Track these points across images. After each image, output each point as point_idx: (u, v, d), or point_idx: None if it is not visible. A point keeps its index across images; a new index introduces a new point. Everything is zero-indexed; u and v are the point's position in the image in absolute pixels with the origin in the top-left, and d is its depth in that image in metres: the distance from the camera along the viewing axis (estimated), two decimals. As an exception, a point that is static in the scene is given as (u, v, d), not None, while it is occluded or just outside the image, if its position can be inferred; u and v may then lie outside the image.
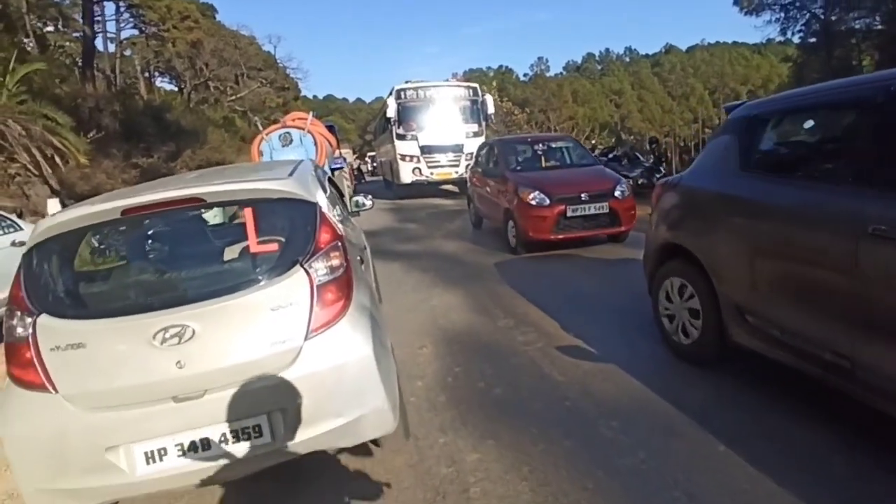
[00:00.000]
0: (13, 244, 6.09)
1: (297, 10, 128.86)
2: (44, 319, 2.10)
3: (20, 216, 10.06)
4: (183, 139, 27.58)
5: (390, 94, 15.71)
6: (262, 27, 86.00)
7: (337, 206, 3.24)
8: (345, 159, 23.59)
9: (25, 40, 23.73)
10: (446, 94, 16.00)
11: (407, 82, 16.12)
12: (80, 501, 2.15)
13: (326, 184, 3.35)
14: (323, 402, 2.20)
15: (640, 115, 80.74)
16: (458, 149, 15.12)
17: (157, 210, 2.29)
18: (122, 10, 36.08)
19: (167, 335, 2.05)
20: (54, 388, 2.05)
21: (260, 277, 2.25)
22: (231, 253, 2.65)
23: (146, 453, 2.10)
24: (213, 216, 3.20)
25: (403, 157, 14.69)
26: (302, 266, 2.25)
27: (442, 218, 12.10)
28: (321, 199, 2.58)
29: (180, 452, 2.12)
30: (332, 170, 10.91)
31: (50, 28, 30.13)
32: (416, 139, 14.78)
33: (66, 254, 2.35)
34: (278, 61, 52.24)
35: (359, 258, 2.90)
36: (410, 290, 6.42)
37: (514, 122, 30.95)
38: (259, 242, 2.31)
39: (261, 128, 10.46)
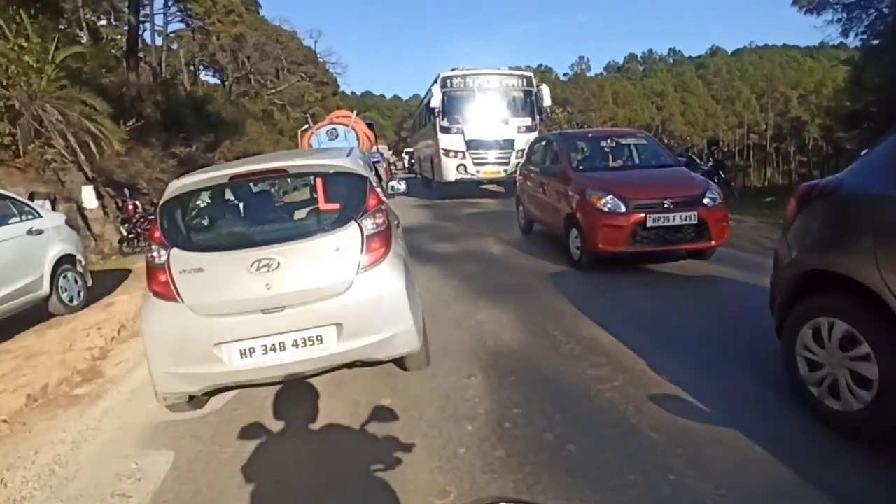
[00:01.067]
0: (30, 232, 5.62)
1: (338, 6, 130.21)
2: (175, 251, 2.94)
3: (53, 202, 9.77)
4: (222, 130, 27.56)
5: (435, 81, 14.05)
6: (303, 22, 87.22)
7: (379, 188, 3.91)
8: (382, 154, 23.44)
9: (80, 33, 24.29)
10: (497, 84, 14.21)
11: (454, 69, 14.27)
12: (192, 385, 2.95)
13: (370, 167, 4.06)
14: (367, 321, 2.96)
15: (682, 118, 78.04)
16: (508, 145, 13.62)
17: (255, 177, 3.37)
18: (170, 3, 36.55)
19: (260, 265, 2.84)
20: (181, 299, 2.87)
21: (326, 228, 3.08)
22: (301, 214, 3.65)
23: (240, 350, 2.88)
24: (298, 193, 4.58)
25: (447, 153, 13.16)
26: (356, 221, 3.06)
27: (486, 220, 11.04)
28: (370, 174, 3.41)
29: (264, 351, 2.89)
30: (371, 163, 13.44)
31: (103, 22, 30.63)
32: (463, 133, 13.24)
33: (188, 206, 3.26)
34: (318, 56, 52.26)
35: (395, 222, 3.67)
36: (452, 299, 5.61)
37: (555, 121, 29.99)
38: (326, 202, 3.25)
39: (311, 122, 13.48)
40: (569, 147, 7.50)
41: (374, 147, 16.00)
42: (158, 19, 35.87)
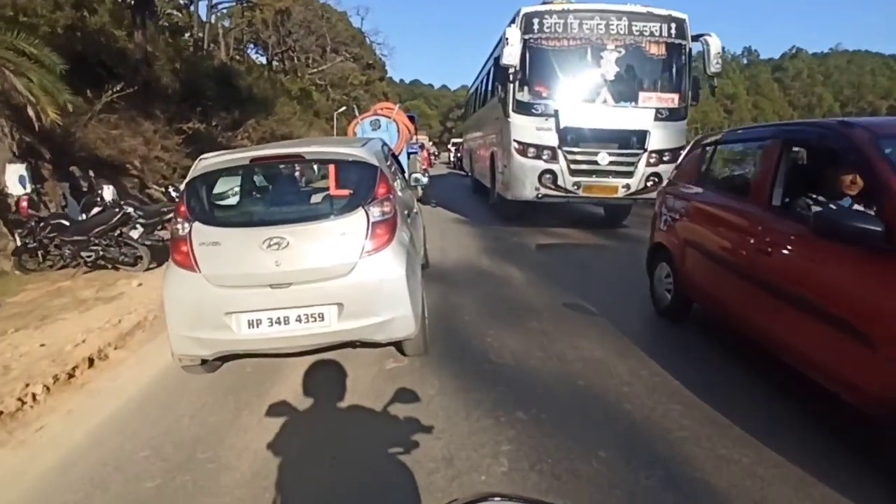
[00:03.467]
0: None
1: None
2: (196, 225, 3.19)
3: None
4: (249, 107, 24.70)
5: (511, 22, 8.15)
6: (352, 0, 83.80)
7: (398, 178, 4.37)
8: (422, 145, 21.10)
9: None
10: (623, 29, 7.93)
11: (545, 2, 8.25)
12: (204, 348, 3.22)
13: (387, 157, 4.30)
14: (367, 303, 3.14)
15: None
16: (635, 140, 7.80)
17: (273, 161, 3.76)
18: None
19: (271, 242, 3.05)
20: (199, 269, 3.11)
21: (335, 212, 3.29)
22: (315, 199, 3.85)
23: (248, 321, 3.11)
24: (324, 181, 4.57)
25: (523, 149, 7.63)
26: (363, 208, 3.23)
27: (587, 278, 5.87)
28: (382, 164, 3.56)
29: (270, 323, 3.11)
30: (409, 153, 12.18)
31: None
32: (555, 116, 7.55)
33: (211, 184, 3.50)
34: (364, 34, 49.19)
35: (405, 212, 3.83)
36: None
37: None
38: (337, 188, 3.52)
39: (357, 111, 13.49)
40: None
41: (414, 137, 15.68)
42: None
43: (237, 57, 35.92)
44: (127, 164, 13.99)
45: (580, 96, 7.81)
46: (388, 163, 4.08)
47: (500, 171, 8.55)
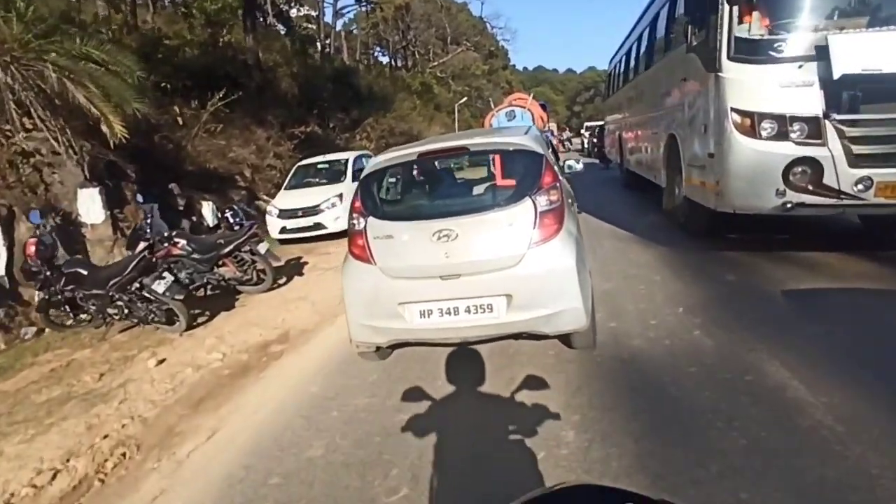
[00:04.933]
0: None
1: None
2: (371, 220, 3.22)
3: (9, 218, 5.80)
4: (368, 106, 23.68)
5: None
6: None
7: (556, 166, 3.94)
8: (552, 132, 21.34)
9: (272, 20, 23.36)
10: None
11: None
12: (379, 336, 3.26)
13: (549, 145, 4.29)
14: (536, 294, 3.00)
15: None
16: None
17: (440, 155, 3.65)
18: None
19: (441, 235, 3.02)
20: (374, 261, 3.15)
21: (502, 203, 3.16)
22: (478, 190, 3.86)
23: (420, 311, 3.10)
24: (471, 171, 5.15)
25: (753, 123, 4.24)
26: (530, 198, 3.07)
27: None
28: (546, 152, 3.42)
29: (440, 314, 3.08)
30: None
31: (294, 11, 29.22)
32: (821, 58, 4.00)
33: (382, 180, 3.59)
34: (485, 20, 46.80)
35: (570, 200, 3.58)
36: None
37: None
38: (503, 178, 3.58)
39: (492, 105, 13.29)
40: None
41: (546, 126, 15.04)
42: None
43: (363, 60, 35.78)
44: (237, 174, 13.24)
45: (870, 16, 4.15)
46: (550, 150, 4.00)
47: (694, 163, 5.25)
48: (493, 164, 4.08)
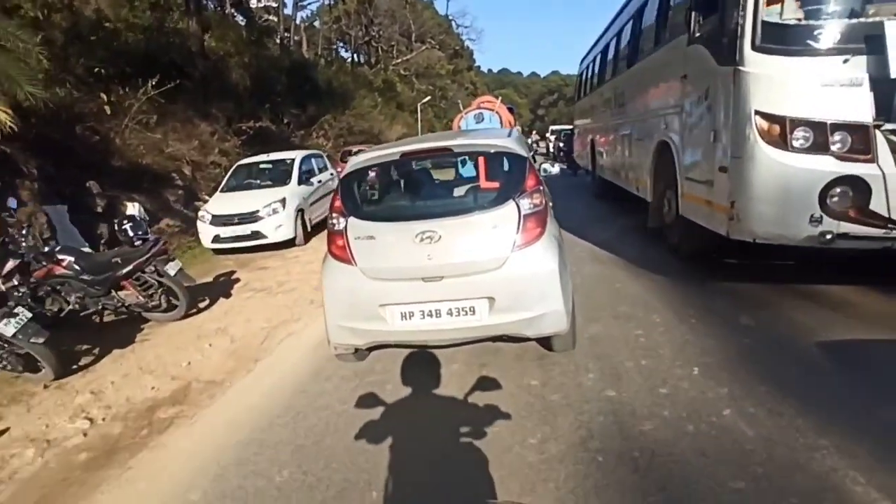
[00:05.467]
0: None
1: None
2: (352, 220, 3.15)
3: None
4: (326, 102, 22.44)
5: None
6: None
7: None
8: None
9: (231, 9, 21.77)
10: None
11: None
12: (358, 338, 3.19)
13: (530, 148, 4.38)
14: (519, 297, 2.96)
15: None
16: None
17: (423, 155, 3.59)
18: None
19: (424, 236, 2.96)
20: (355, 262, 3.07)
21: (485, 205, 3.12)
22: (461, 191, 3.75)
23: (401, 313, 3.03)
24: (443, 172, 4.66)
25: (785, 131, 3.35)
26: (514, 200, 3.03)
27: None
28: (529, 155, 3.40)
29: (422, 316, 3.02)
30: None
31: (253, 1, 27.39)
32: (872, 50, 3.16)
33: (363, 180, 3.43)
34: (451, 17, 46.05)
35: (550, 204, 3.44)
36: None
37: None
38: (487, 181, 3.37)
39: (461, 108, 12.06)
40: None
41: (515, 129, 12.66)
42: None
43: (325, 56, 34.25)
44: (174, 172, 11.91)
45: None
46: (532, 152, 4.03)
47: (696, 178, 4.34)
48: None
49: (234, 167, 8.91)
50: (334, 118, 21.93)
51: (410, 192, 3.84)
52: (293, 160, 8.47)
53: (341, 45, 40.90)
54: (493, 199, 3.13)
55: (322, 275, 3.24)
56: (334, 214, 3.22)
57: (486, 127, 9.36)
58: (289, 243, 7.61)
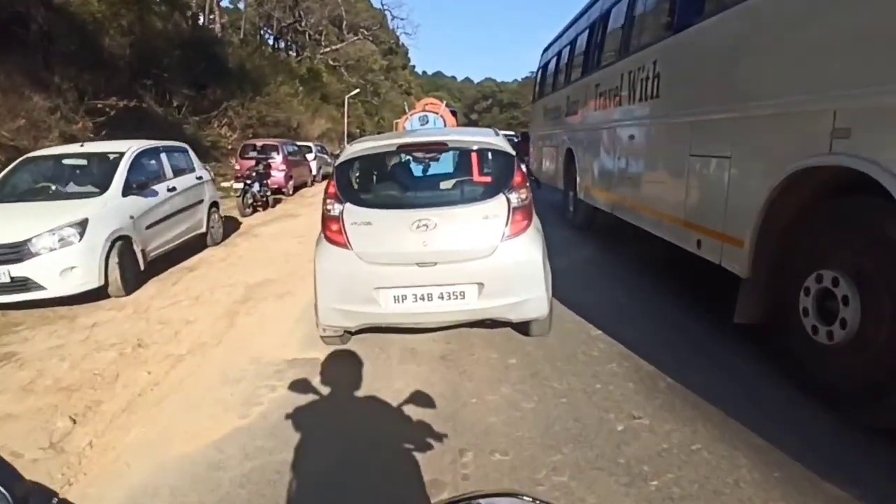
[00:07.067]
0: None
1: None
2: (348, 206, 3.25)
3: None
4: (234, 85, 18.83)
5: None
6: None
7: None
8: None
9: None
10: None
11: None
12: (350, 321, 3.26)
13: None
14: (506, 283, 3.14)
15: None
16: None
17: (420, 148, 3.86)
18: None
19: (420, 224, 3.10)
20: (351, 246, 3.18)
21: (478, 197, 3.32)
22: (445, 185, 3.90)
23: (395, 296, 3.14)
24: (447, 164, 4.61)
25: None
26: (504, 194, 3.22)
27: None
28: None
29: (414, 300, 3.14)
30: None
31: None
32: None
33: (359, 168, 3.71)
34: (385, 7, 43.00)
35: None
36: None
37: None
38: (480, 174, 3.82)
39: (409, 107, 11.91)
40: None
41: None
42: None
43: (249, 40, 30.00)
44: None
45: None
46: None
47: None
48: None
49: (15, 163, 5.49)
50: (242, 105, 18.41)
51: (405, 182, 3.96)
52: (120, 156, 5.28)
53: (268, 31, 36.72)
54: (484, 191, 3.37)
55: (315, 258, 3.33)
56: (329, 200, 3.31)
57: (429, 128, 8.64)
58: (92, 296, 4.51)
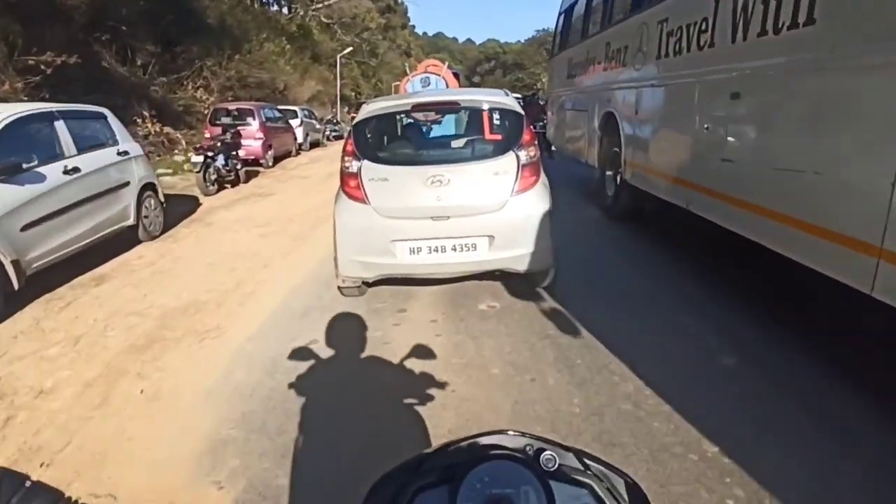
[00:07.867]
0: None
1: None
2: (365, 162, 3.40)
3: None
4: (210, 42, 16.82)
5: None
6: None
7: None
8: None
9: None
10: None
11: None
12: (368, 271, 3.44)
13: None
14: (515, 236, 3.33)
15: None
16: None
17: (434, 107, 3.84)
18: None
19: (434, 179, 3.26)
20: (368, 201, 3.33)
21: (489, 154, 3.48)
22: (456, 143, 4.08)
23: (410, 248, 3.32)
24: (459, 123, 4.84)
25: None
26: (514, 151, 3.38)
27: None
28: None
29: (428, 251, 3.32)
30: None
31: None
32: None
33: (376, 127, 3.81)
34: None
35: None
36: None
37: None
38: (491, 133, 3.82)
39: (407, 71, 13.31)
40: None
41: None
42: None
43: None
44: None
45: None
46: None
47: None
48: (484, 121, 4.06)
49: None
50: (220, 64, 16.46)
51: (421, 139, 4.14)
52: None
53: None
54: (495, 149, 3.51)
55: (335, 214, 3.46)
56: (347, 157, 3.44)
57: (431, 90, 8.89)
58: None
